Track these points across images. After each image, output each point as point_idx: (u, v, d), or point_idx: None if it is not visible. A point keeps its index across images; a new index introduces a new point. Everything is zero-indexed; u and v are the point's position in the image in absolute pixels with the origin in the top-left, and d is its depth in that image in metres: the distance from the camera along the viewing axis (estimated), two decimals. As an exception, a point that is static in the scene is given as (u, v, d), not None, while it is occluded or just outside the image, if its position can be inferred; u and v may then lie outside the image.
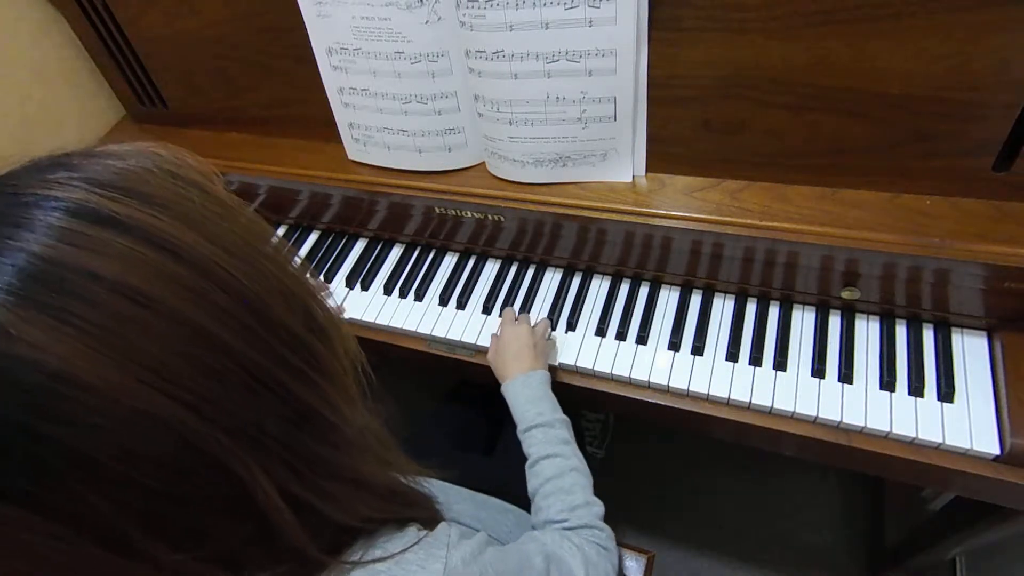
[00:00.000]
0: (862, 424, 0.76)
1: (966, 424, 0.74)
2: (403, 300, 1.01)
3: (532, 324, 0.89)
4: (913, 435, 0.75)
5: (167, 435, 0.33)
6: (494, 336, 0.89)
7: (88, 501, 0.32)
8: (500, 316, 0.96)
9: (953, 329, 0.82)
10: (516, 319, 0.89)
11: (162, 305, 0.32)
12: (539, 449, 0.71)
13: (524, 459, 0.74)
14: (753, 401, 0.81)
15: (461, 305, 0.98)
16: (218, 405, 0.34)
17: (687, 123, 0.80)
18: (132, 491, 0.33)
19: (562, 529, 0.63)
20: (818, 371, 0.82)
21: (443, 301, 0.99)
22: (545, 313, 0.95)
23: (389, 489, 0.48)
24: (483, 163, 0.94)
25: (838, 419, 0.77)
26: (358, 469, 0.44)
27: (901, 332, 0.83)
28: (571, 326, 0.92)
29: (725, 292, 0.92)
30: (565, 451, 0.71)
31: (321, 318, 0.42)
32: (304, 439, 0.39)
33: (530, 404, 0.75)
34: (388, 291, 1.02)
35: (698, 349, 0.87)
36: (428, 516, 0.51)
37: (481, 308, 0.97)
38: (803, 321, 0.87)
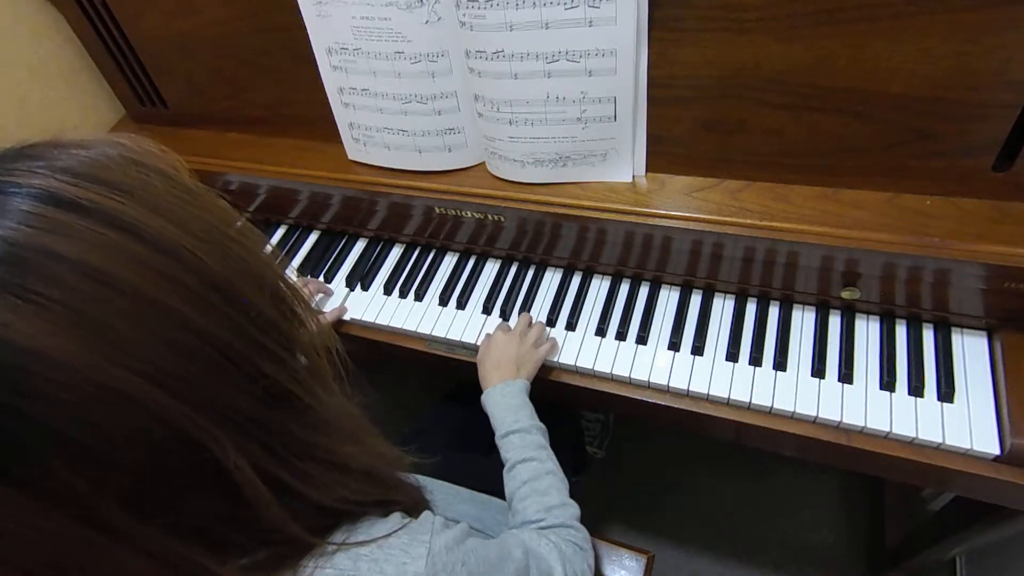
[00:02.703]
0: (862, 424, 0.76)
1: (966, 424, 0.74)
2: (403, 300, 1.01)
3: (526, 330, 0.88)
4: (913, 435, 0.75)
5: (136, 411, 0.33)
6: (487, 336, 0.89)
7: (62, 477, 0.32)
8: (500, 317, 0.96)
9: (953, 329, 0.82)
10: (509, 329, 0.89)
11: (125, 284, 0.33)
12: (516, 454, 0.73)
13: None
14: (753, 401, 0.81)
15: (461, 305, 0.98)
16: (187, 382, 0.35)
17: (687, 123, 0.80)
18: (105, 467, 0.33)
19: (539, 528, 0.65)
20: (818, 371, 0.82)
21: (443, 301, 0.99)
22: (545, 313, 0.95)
23: (368, 472, 0.48)
24: (483, 163, 0.94)
25: (838, 419, 0.77)
26: (335, 450, 0.45)
27: (901, 332, 0.83)
28: (571, 326, 0.92)
29: (725, 292, 0.92)
30: (541, 455, 0.72)
31: (292, 301, 0.43)
32: (278, 418, 0.40)
33: (508, 412, 0.77)
34: (388, 291, 1.02)
35: (698, 349, 0.87)
36: (412, 503, 0.52)
37: (481, 308, 0.97)
38: (803, 321, 0.87)
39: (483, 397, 0.81)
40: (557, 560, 0.58)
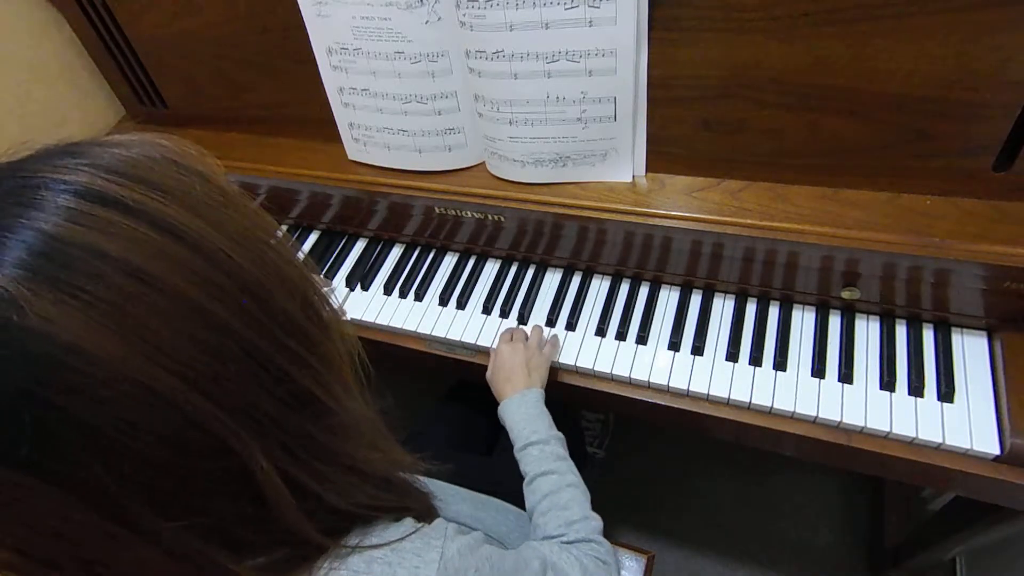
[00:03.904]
0: (862, 424, 0.76)
1: (966, 424, 0.74)
2: (403, 300, 1.01)
3: (527, 336, 0.88)
4: (913, 435, 0.75)
5: (168, 410, 0.34)
6: (492, 352, 0.89)
7: (91, 470, 0.33)
8: (500, 317, 0.96)
9: (953, 329, 0.82)
10: (511, 337, 0.88)
11: (165, 284, 0.33)
12: (535, 467, 0.72)
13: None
14: (753, 401, 0.81)
15: (461, 305, 0.98)
16: (217, 383, 0.35)
17: (687, 123, 0.80)
18: (134, 463, 0.34)
19: (561, 543, 0.63)
20: (818, 371, 0.82)
21: (443, 301, 0.99)
22: (545, 313, 0.95)
23: (385, 478, 0.48)
24: (483, 163, 0.94)
25: (838, 419, 0.77)
26: (354, 455, 0.45)
27: (901, 332, 0.83)
28: (571, 326, 0.92)
29: (725, 292, 0.92)
30: (561, 467, 0.72)
31: (319, 307, 0.43)
32: (301, 422, 0.40)
33: (525, 423, 0.76)
34: (388, 291, 1.02)
35: (698, 349, 0.87)
36: (424, 509, 0.52)
37: (481, 308, 0.97)
38: (803, 321, 0.87)
39: (500, 409, 0.80)
40: (579, 575, 0.57)
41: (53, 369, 0.31)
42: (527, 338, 0.89)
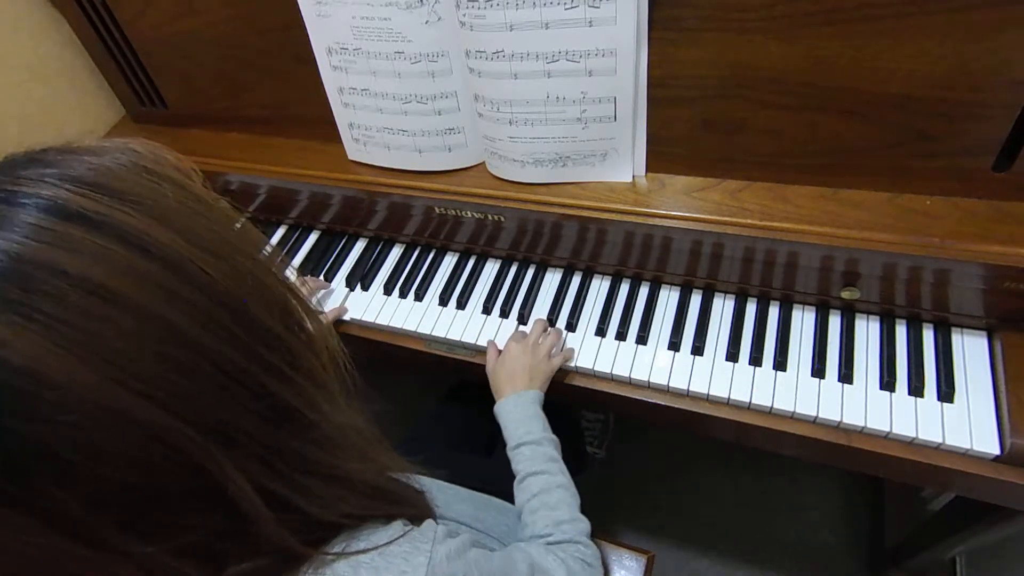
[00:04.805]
0: (862, 424, 0.76)
1: (966, 424, 0.74)
2: (403, 300, 1.01)
3: (542, 336, 0.87)
4: (913, 435, 0.75)
5: (135, 432, 0.32)
6: (491, 344, 0.89)
7: (56, 496, 0.32)
8: (500, 317, 0.96)
9: (953, 329, 0.82)
10: (524, 337, 0.88)
11: (130, 302, 0.32)
12: (527, 466, 0.72)
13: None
14: (753, 401, 0.81)
15: (461, 305, 0.98)
16: (188, 402, 0.34)
17: (687, 123, 0.80)
18: (101, 486, 0.33)
19: (547, 543, 0.64)
20: (818, 371, 0.82)
21: (443, 301, 0.99)
22: (545, 313, 0.94)
23: (374, 486, 0.47)
24: (483, 163, 0.94)
25: (838, 419, 0.77)
26: (339, 466, 0.44)
27: (901, 332, 0.83)
28: (571, 326, 0.92)
29: (725, 292, 0.92)
30: (552, 468, 0.72)
31: (300, 316, 0.42)
32: (282, 436, 0.39)
33: (520, 423, 0.76)
34: (388, 291, 1.02)
35: (698, 349, 0.87)
36: (417, 513, 0.51)
37: (481, 308, 0.97)
38: (803, 321, 0.87)
39: (496, 408, 0.81)
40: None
41: (9, 394, 0.29)
42: (540, 336, 0.88)
